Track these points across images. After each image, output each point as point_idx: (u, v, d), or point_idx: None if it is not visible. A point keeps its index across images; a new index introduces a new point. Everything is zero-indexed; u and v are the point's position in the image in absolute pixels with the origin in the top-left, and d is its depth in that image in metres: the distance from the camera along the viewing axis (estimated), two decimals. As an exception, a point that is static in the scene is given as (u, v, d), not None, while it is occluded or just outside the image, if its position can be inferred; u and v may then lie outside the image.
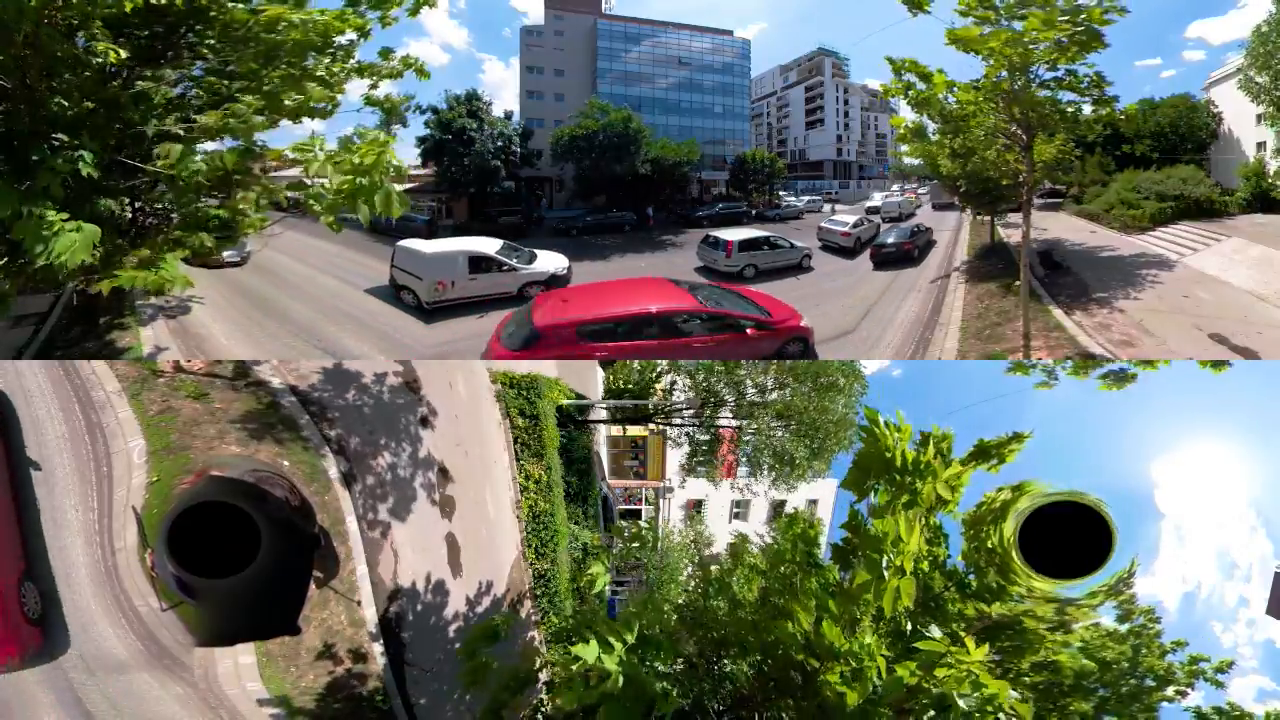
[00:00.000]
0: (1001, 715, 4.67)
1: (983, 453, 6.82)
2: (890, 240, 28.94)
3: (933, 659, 4.75)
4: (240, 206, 8.00)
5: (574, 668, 5.91)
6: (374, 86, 8.39)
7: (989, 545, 6.99)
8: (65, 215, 5.46)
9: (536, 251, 22.87)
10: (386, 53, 8.31)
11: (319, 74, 7.33)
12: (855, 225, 31.90)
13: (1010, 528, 7.28)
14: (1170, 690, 8.04)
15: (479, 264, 20.69)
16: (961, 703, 4.53)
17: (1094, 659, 7.95)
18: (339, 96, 7.87)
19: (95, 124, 6.34)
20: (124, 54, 6.12)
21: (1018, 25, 10.23)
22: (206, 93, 7.42)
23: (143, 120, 6.64)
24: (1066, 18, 9.96)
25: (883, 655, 5.06)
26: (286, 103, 7.15)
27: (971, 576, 7.18)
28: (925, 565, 6.69)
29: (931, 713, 4.59)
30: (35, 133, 6.12)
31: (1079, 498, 8.41)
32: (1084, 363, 12.45)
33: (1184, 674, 8.19)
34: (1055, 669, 6.93)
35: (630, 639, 6.06)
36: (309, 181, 6.25)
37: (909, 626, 5.68)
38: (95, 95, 6.35)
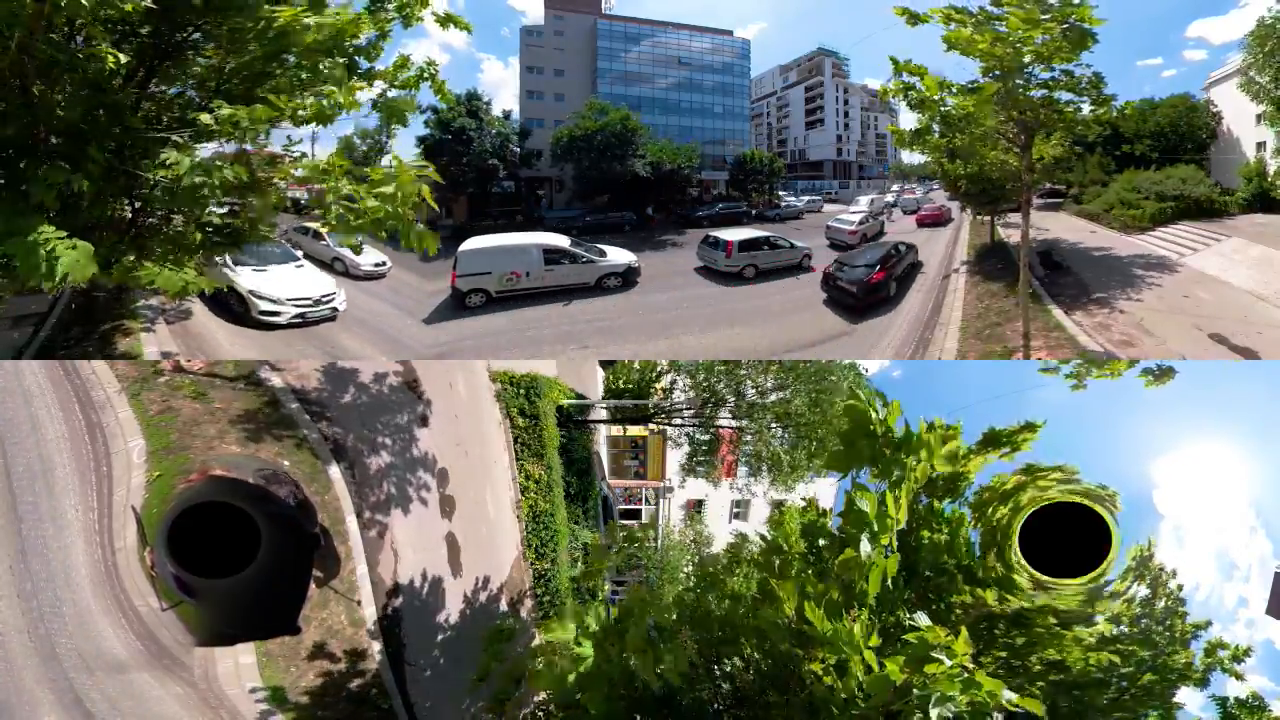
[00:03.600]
0: (997, 715, 4.33)
1: (992, 440, 6.83)
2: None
3: (922, 653, 4.31)
4: (251, 215, 7.88)
5: (550, 656, 5.94)
6: (383, 93, 8.24)
7: (992, 524, 6.97)
8: (54, 229, 5.22)
9: (604, 248, 23.25)
10: (404, 60, 8.15)
11: (335, 76, 7.11)
12: (861, 223, 32.80)
13: (1010, 510, 7.25)
14: (1189, 685, 7.92)
15: (554, 255, 20.92)
16: (939, 711, 4.13)
17: (1112, 653, 7.85)
18: (353, 98, 7.68)
19: (96, 131, 6.20)
20: (124, 58, 5.99)
21: (1003, 27, 10.22)
22: (211, 95, 7.25)
23: (145, 125, 6.47)
24: (1049, 16, 9.93)
25: (869, 647, 4.68)
26: (300, 112, 6.92)
27: (978, 557, 7.18)
28: (923, 542, 6.60)
29: (919, 715, 4.14)
30: (33, 143, 5.95)
31: (1080, 497, 8.39)
32: (1115, 364, 12.33)
33: (1201, 664, 8.03)
34: (1064, 667, 6.84)
35: (601, 623, 6.09)
36: (327, 200, 6.09)
37: (896, 616, 5.52)
38: (96, 100, 6.22)
